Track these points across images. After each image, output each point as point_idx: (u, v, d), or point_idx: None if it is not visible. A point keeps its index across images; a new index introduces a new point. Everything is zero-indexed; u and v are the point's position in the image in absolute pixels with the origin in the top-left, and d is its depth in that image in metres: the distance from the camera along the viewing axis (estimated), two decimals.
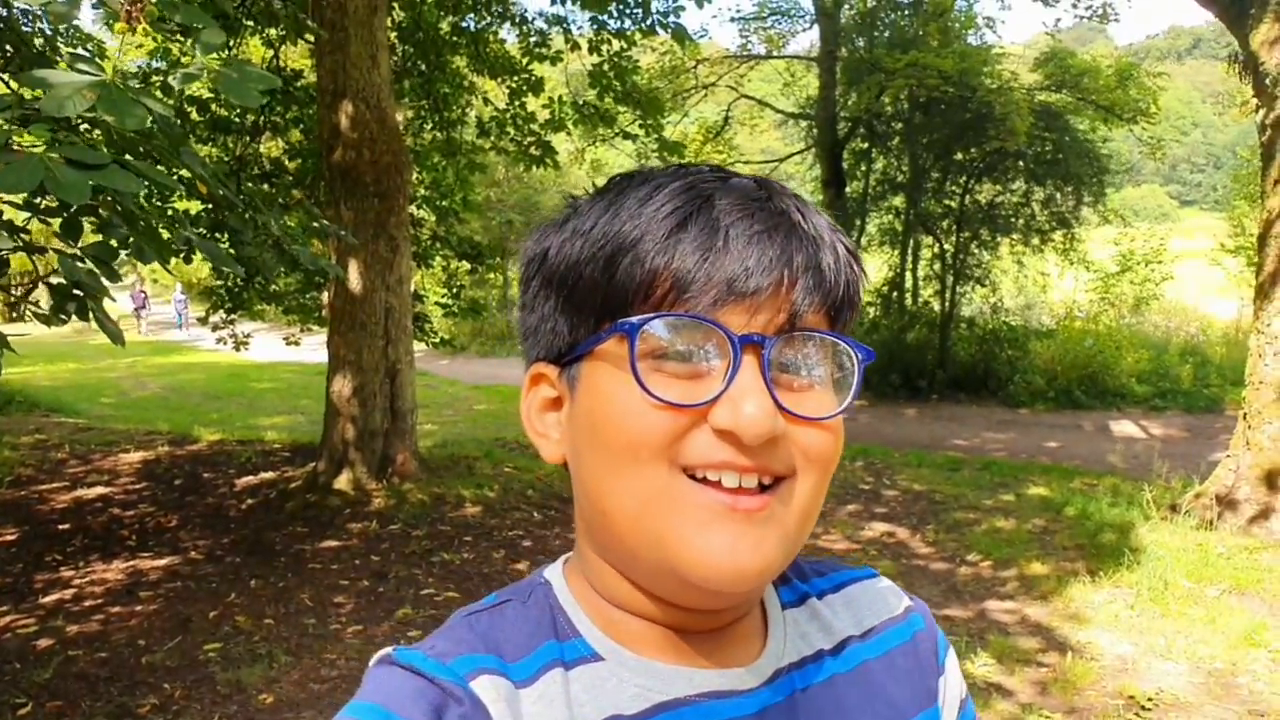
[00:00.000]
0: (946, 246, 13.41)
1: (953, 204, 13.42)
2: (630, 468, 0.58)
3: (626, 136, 9.90)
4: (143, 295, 26.17)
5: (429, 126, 9.25)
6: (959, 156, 13.05)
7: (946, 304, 13.31)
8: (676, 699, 0.62)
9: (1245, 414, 6.15)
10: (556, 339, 0.63)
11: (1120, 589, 4.99)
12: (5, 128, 2.52)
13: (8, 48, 5.65)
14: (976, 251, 13.45)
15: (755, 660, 0.66)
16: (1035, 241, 13.43)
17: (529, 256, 0.66)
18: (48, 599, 4.91)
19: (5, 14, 5.66)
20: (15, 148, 2.46)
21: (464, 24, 8.75)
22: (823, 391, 0.60)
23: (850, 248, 0.63)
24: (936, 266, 13.63)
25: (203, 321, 9.03)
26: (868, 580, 0.78)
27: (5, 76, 5.06)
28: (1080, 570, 5.30)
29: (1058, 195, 13.20)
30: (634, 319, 0.57)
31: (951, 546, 5.92)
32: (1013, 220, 13.29)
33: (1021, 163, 12.85)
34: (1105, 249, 15.33)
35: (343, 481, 6.67)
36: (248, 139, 8.33)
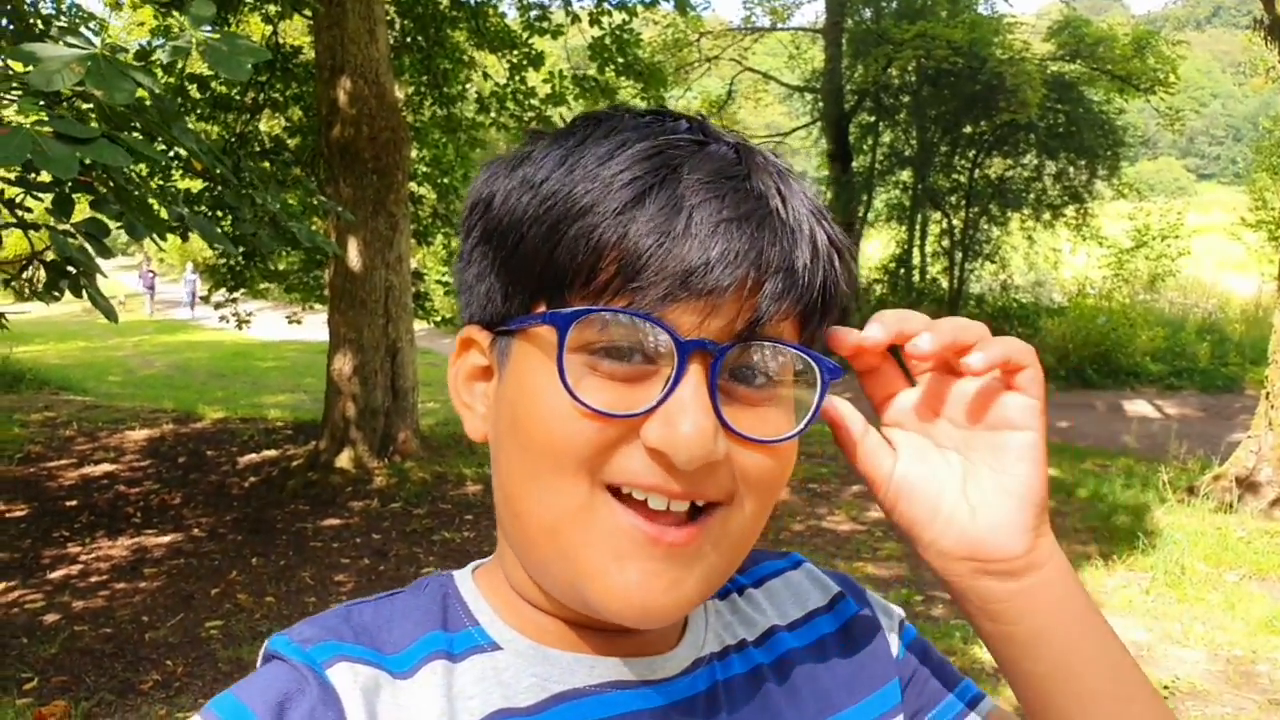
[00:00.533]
0: (955, 222, 13.32)
1: (961, 178, 13.32)
2: (550, 475, 0.52)
3: None
4: (151, 275, 26.29)
5: (429, 102, 9.19)
6: (968, 130, 12.93)
7: (955, 281, 13.24)
8: (575, 689, 0.57)
9: (1268, 393, 6.06)
10: (490, 304, 0.57)
11: (1135, 573, 4.92)
12: None
13: (6, 22, 5.62)
14: (986, 227, 13.36)
15: (671, 649, 0.62)
16: (1046, 217, 13.33)
17: (474, 199, 0.58)
18: (55, 574, 4.95)
19: None
20: (3, 121, 2.44)
21: None
22: (779, 408, 0.54)
23: (834, 238, 0.55)
24: (945, 242, 13.56)
25: (205, 300, 9.04)
26: (790, 571, 0.74)
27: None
28: (1093, 554, 5.22)
29: (1070, 169, 13.08)
30: (566, 311, 0.50)
31: None
32: (1023, 195, 13.18)
33: (1033, 135, 12.72)
34: (1119, 224, 15.14)
35: (344, 460, 6.68)
36: (247, 116, 8.29)
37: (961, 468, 0.58)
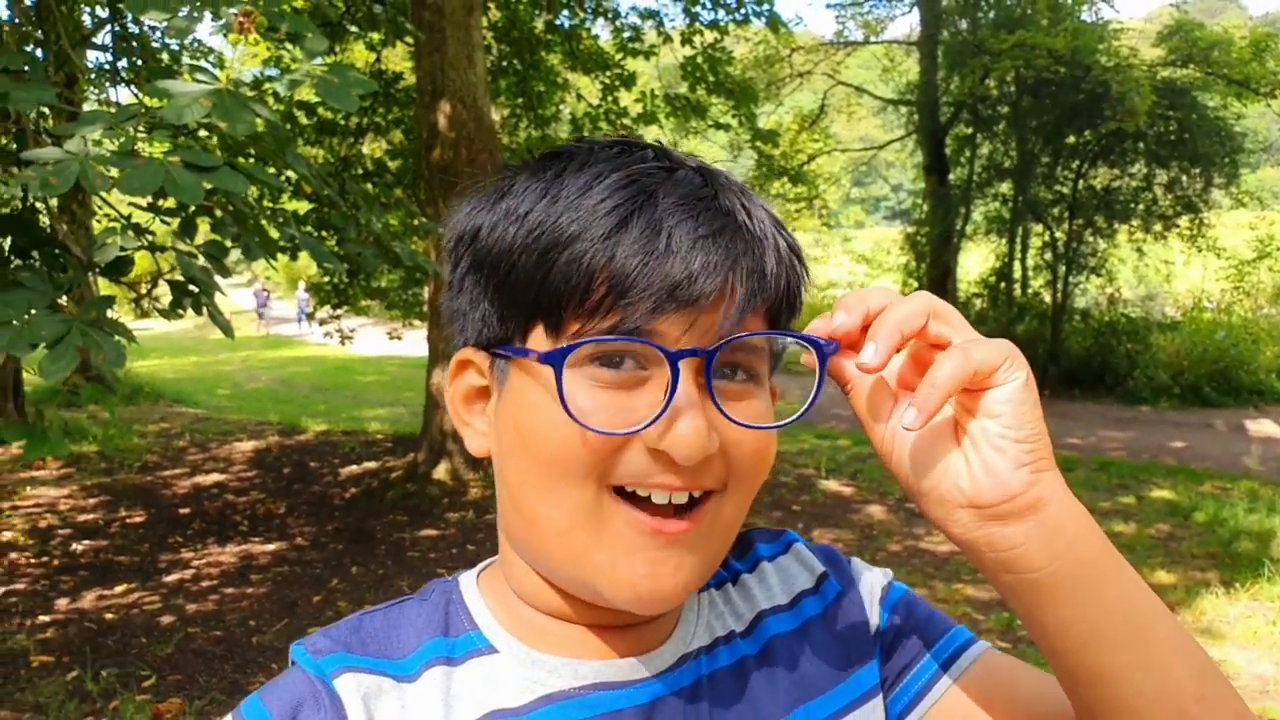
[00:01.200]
0: (1058, 235, 12.82)
1: (1064, 190, 12.82)
2: (560, 482, 0.57)
3: (719, 127, 9.84)
4: (265, 294, 27.05)
5: (524, 124, 9.39)
6: (1071, 140, 12.44)
7: (1058, 295, 12.73)
8: (560, 691, 0.61)
9: None
10: (487, 327, 0.61)
11: (1259, 602, 4.65)
12: (131, 135, 2.67)
13: (138, 61, 6.00)
14: (1091, 239, 12.81)
15: (656, 648, 0.65)
16: (1157, 228, 12.69)
17: (458, 232, 0.63)
18: (170, 578, 5.21)
19: (137, 30, 6.02)
20: (139, 154, 2.61)
21: (558, 22, 8.84)
22: (759, 399, 0.60)
23: (793, 244, 0.61)
24: (1047, 256, 13.05)
25: (310, 317, 9.41)
26: (782, 556, 0.76)
27: (133, 88, 5.38)
28: (1212, 580, 4.96)
29: (1183, 178, 12.44)
30: (558, 349, 0.55)
31: None
32: (1132, 206, 12.60)
33: (1142, 144, 12.17)
34: (1239, 234, 14.36)
35: (441, 472, 6.84)
36: (352, 140, 8.62)
37: (952, 418, 0.58)
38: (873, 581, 0.75)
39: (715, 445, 0.56)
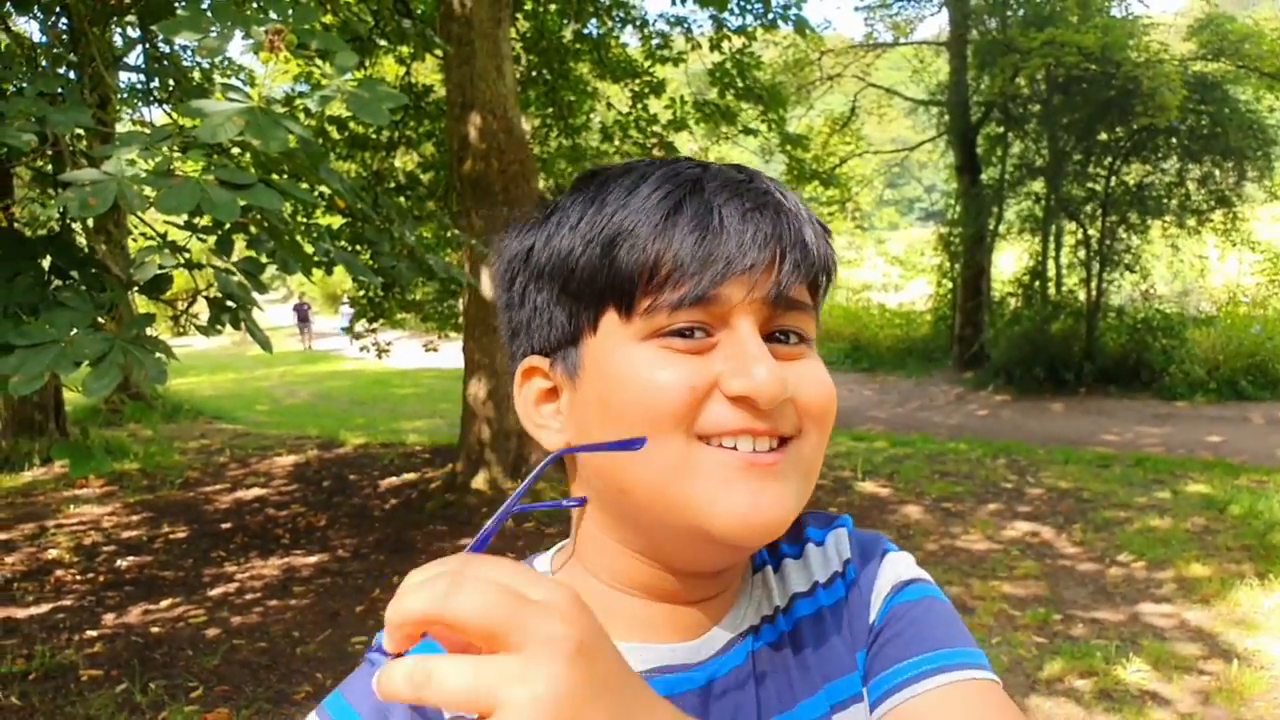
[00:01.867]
0: (1091, 232, 12.66)
1: (1097, 187, 12.66)
2: (652, 440, 0.59)
3: (748, 132, 9.82)
4: (306, 308, 26.23)
5: (554, 134, 9.44)
6: (1103, 136, 12.29)
7: (1093, 292, 12.57)
8: None
9: None
10: (555, 329, 0.65)
11: None
12: (167, 154, 2.72)
13: (170, 81, 6.12)
14: (1125, 236, 12.64)
15: (714, 628, 0.68)
16: (1191, 223, 12.52)
17: (511, 254, 0.68)
18: (214, 592, 5.27)
19: (168, 50, 6.15)
20: (176, 173, 2.66)
21: (586, 30, 8.88)
22: (811, 359, 0.64)
23: (824, 224, 0.66)
24: (1081, 253, 12.89)
25: (347, 331, 9.52)
26: (819, 546, 0.76)
27: (167, 108, 5.49)
28: (1247, 572, 4.91)
29: (1216, 172, 12.25)
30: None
31: (1100, 546, 5.59)
32: (1165, 201, 12.42)
33: (1174, 139, 12.00)
34: (1274, 227, 14.13)
35: (480, 481, 6.88)
36: (384, 154, 8.71)
37: None
38: (891, 576, 0.74)
39: (792, 388, 0.60)
